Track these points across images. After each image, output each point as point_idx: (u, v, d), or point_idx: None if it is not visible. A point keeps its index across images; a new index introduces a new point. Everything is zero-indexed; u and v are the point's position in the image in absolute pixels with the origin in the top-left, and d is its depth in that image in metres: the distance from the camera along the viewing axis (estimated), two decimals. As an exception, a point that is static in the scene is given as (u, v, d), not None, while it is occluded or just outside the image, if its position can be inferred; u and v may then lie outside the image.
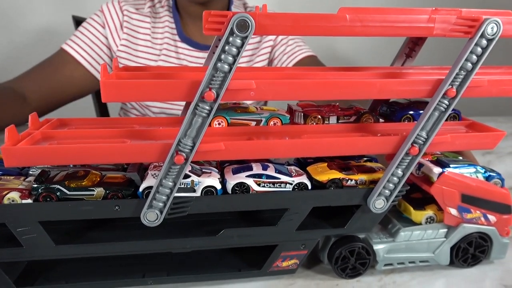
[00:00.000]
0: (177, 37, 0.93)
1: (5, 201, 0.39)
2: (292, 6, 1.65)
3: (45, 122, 0.46)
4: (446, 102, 0.41)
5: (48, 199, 0.40)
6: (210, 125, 0.44)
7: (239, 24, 0.35)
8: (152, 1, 0.95)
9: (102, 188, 0.41)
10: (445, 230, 0.48)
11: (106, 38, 0.91)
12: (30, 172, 0.45)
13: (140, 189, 0.41)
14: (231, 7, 0.97)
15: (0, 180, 0.42)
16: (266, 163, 0.46)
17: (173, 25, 0.93)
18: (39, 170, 0.44)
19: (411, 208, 0.47)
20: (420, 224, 0.47)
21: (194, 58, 0.95)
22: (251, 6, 1.04)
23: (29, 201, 0.40)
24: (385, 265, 0.47)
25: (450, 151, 0.51)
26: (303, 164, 0.49)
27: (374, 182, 0.44)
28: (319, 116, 0.46)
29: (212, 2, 0.92)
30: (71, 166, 0.46)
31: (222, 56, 0.36)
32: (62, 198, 0.40)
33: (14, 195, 0.39)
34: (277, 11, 1.04)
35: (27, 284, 0.43)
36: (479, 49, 0.39)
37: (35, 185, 0.40)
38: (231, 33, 0.35)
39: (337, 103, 0.50)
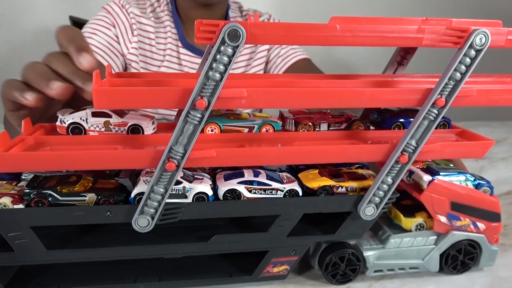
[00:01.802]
0: (179, 43, 0.93)
1: (-3, 206, 0.39)
2: (289, 9, 1.65)
3: (38, 127, 0.46)
4: (435, 111, 0.41)
5: (40, 204, 0.40)
6: (203, 131, 0.44)
7: (231, 34, 0.35)
8: (152, 5, 0.94)
9: (94, 194, 0.41)
10: (435, 237, 0.48)
11: (117, 37, 0.90)
12: (23, 177, 0.45)
13: (132, 195, 0.41)
14: (229, 12, 0.98)
15: (-8, 185, 0.42)
16: (257, 170, 0.46)
17: (175, 31, 0.93)
18: (31, 175, 0.44)
19: (401, 215, 0.47)
20: (410, 231, 0.47)
21: (196, 64, 0.94)
22: (246, 10, 1.05)
23: (21, 206, 0.40)
24: (375, 271, 0.48)
25: (439, 159, 0.52)
26: (295, 170, 0.49)
27: (365, 189, 0.45)
28: (310, 123, 0.47)
29: (215, 7, 0.92)
30: (63, 171, 0.46)
31: (214, 65, 0.36)
32: (54, 203, 0.40)
33: (6, 200, 0.39)
34: (273, 14, 1.04)
35: (18, 288, 0.43)
36: (467, 60, 0.40)
37: (27, 190, 0.40)
38: (223, 42, 0.36)
39: (328, 111, 0.50)
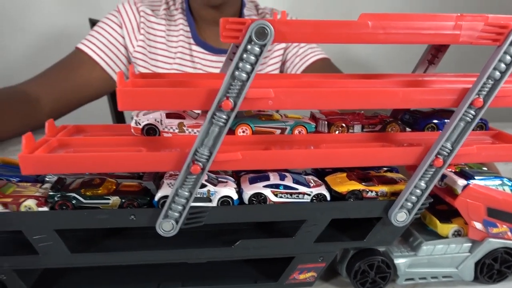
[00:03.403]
0: (192, 41, 0.93)
1: (22, 208, 0.39)
2: (304, 8, 1.63)
3: (61, 129, 0.46)
4: (472, 112, 0.39)
5: (64, 207, 0.40)
6: (234, 133, 0.43)
7: (258, 32, 0.34)
8: (167, 3, 0.95)
9: (117, 197, 0.40)
10: (470, 244, 0.46)
11: (123, 38, 0.91)
12: (46, 179, 0.45)
13: (156, 198, 0.40)
14: (243, 10, 0.96)
15: (17, 187, 0.42)
16: (283, 173, 0.45)
17: (188, 29, 0.93)
18: (55, 177, 0.44)
19: (437, 221, 0.45)
20: (447, 237, 0.45)
21: (208, 61, 0.94)
22: (262, 8, 1.03)
23: (45, 209, 0.40)
24: (406, 279, 0.46)
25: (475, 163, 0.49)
26: (320, 173, 0.48)
27: (396, 194, 0.43)
28: (344, 125, 0.45)
29: (225, 5, 0.91)
30: (86, 173, 0.45)
31: (240, 65, 0.35)
32: (78, 206, 0.40)
33: (31, 203, 0.39)
34: (289, 13, 1.02)
35: (42, 291, 0.43)
36: (508, 57, 0.38)
37: (51, 193, 0.40)
38: (250, 41, 0.35)
39: (362, 111, 0.48)
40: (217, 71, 0.92)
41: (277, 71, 1.00)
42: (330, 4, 1.65)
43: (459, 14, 0.38)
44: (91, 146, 0.43)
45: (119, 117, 1.23)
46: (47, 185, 0.43)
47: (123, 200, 0.40)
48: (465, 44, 0.38)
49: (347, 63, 1.14)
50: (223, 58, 0.93)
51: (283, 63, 1.01)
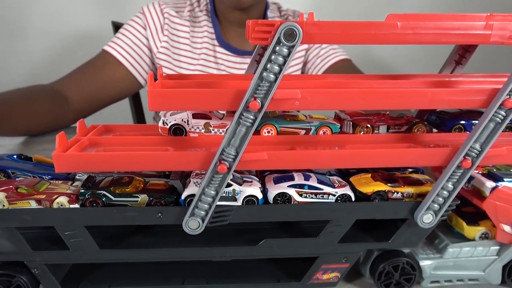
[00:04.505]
0: (216, 42, 0.94)
1: (55, 205, 0.40)
2: (324, 9, 1.63)
3: (91, 128, 0.47)
4: (502, 113, 0.39)
5: (94, 204, 0.41)
6: (259, 133, 0.44)
7: (287, 33, 0.35)
8: (191, 5, 0.96)
9: (146, 195, 0.41)
10: (497, 247, 0.45)
11: (147, 39, 0.92)
12: (77, 177, 0.46)
13: (182, 197, 0.41)
14: (267, 12, 0.97)
15: (50, 185, 0.43)
16: (307, 173, 0.45)
17: (212, 30, 0.94)
18: (85, 175, 0.45)
19: (464, 223, 0.45)
20: (473, 240, 0.44)
21: (232, 63, 0.95)
22: (285, 10, 1.04)
23: (77, 206, 0.41)
24: (432, 282, 0.45)
25: (505, 164, 0.49)
26: (344, 174, 0.48)
27: (422, 195, 0.42)
28: (368, 125, 0.45)
29: (252, 7, 0.92)
30: (115, 172, 0.46)
31: (268, 66, 0.36)
32: (108, 203, 0.41)
33: (63, 200, 0.40)
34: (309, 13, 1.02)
35: (72, 285, 0.44)
36: (541, 57, 0.37)
37: (83, 191, 0.41)
38: (278, 42, 0.35)
39: (388, 112, 0.48)
40: (241, 72, 0.93)
41: (298, 72, 1.00)
42: (349, 5, 1.64)
43: (488, 14, 0.38)
44: (120, 145, 0.44)
45: (139, 117, 1.25)
46: (77, 183, 0.44)
47: (151, 198, 0.41)
48: (496, 44, 0.38)
49: (368, 64, 1.13)
50: (247, 60, 0.94)
51: (305, 64, 1.01)
